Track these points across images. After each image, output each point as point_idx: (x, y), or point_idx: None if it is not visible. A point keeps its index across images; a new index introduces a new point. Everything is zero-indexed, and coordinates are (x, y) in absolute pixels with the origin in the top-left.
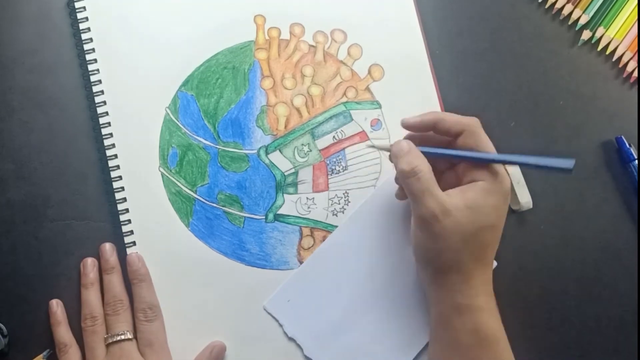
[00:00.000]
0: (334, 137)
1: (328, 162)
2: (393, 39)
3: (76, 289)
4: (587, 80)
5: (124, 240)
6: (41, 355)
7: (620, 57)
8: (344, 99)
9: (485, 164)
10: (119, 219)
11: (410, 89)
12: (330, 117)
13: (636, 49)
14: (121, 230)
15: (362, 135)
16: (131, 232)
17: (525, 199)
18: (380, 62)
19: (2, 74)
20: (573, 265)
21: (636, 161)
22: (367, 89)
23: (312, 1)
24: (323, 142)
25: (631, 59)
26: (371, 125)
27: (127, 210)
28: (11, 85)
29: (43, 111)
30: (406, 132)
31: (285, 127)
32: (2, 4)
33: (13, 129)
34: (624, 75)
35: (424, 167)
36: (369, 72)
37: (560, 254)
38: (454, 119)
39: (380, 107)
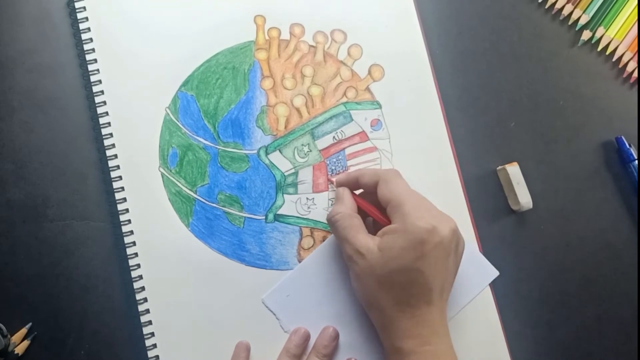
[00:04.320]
0: (334, 137)
1: (328, 162)
2: (393, 39)
3: (76, 290)
4: (587, 80)
5: (124, 240)
6: (25, 328)
7: (620, 57)
8: (344, 99)
9: (395, 208)
10: (119, 219)
11: (410, 89)
12: (330, 118)
13: (636, 49)
14: (121, 230)
15: (362, 136)
16: (131, 232)
17: (525, 199)
18: (380, 62)
19: (2, 74)
20: (573, 265)
21: (636, 161)
22: (367, 89)
23: (312, 1)
24: (323, 143)
25: (631, 59)
26: (371, 126)
27: (127, 210)
28: (11, 85)
29: (43, 111)
30: (406, 132)
31: (285, 127)
32: (2, 4)
33: (13, 129)
34: (624, 75)
35: (342, 216)
36: (369, 72)
37: (560, 254)
38: (370, 172)
39: (380, 107)
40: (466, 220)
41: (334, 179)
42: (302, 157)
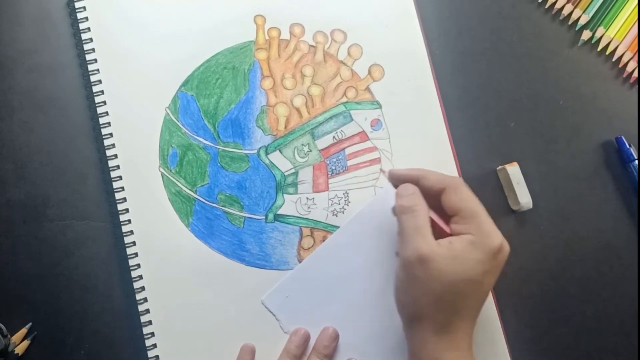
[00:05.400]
0: (334, 137)
1: (328, 162)
2: (393, 39)
3: (76, 290)
4: (587, 80)
5: (124, 240)
6: (25, 328)
7: (620, 57)
8: (344, 99)
9: (468, 219)
10: (119, 219)
11: (410, 89)
12: (330, 117)
13: (636, 49)
14: (121, 230)
15: (362, 136)
16: (131, 232)
17: (525, 199)
18: (380, 62)
19: (2, 74)
20: (573, 265)
21: (636, 161)
22: (367, 89)
23: (312, 1)
24: (323, 142)
25: (631, 59)
26: (371, 126)
27: (127, 210)
28: (11, 85)
29: (43, 111)
30: (406, 132)
31: (285, 127)
32: (2, 4)
33: (13, 129)
34: (624, 75)
35: (423, 208)
36: (369, 72)
37: (560, 254)
38: (436, 177)
39: (380, 107)
40: None
41: (386, 170)
42: (302, 157)
